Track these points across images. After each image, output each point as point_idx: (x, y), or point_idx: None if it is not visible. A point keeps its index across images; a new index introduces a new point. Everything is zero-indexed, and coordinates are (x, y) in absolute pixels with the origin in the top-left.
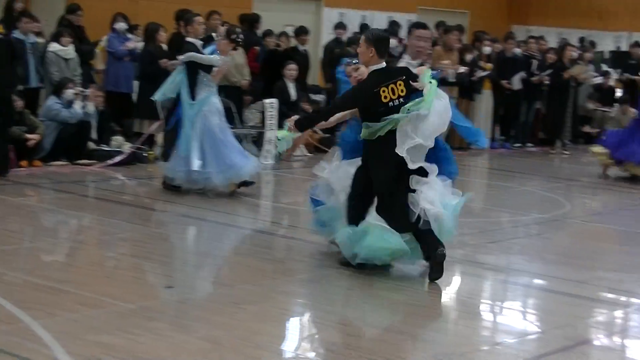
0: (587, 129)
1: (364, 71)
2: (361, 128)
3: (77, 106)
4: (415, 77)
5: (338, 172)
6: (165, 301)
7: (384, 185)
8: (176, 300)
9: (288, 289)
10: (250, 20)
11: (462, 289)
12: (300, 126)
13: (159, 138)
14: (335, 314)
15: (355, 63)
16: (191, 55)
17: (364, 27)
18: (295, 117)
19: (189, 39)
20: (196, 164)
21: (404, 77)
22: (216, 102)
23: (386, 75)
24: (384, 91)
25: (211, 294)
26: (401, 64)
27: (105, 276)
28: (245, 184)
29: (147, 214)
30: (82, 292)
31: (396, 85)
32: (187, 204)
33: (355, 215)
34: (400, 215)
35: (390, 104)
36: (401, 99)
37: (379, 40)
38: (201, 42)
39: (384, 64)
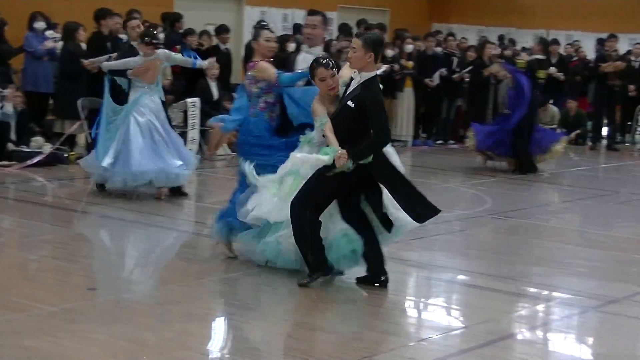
0: None
1: (337, 80)
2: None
3: None
4: None
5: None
6: (88, 303)
7: (394, 171)
8: (100, 302)
9: (213, 288)
10: (171, 19)
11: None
12: (357, 157)
13: (80, 138)
14: (261, 312)
15: (332, 68)
16: (106, 65)
17: (296, 27)
18: (343, 151)
19: (132, 43)
20: (105, 161)
21: None
22: (146, 102)
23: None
24: None
25: (135, 295)
26: (301, 54)
27: (27, 279)
28: (178, 192)
29: (68, 216)
30: (3, 295)
31: None
32: (110, 205)
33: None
34: (423, 199)
35: None
36: None
37: (378, 45)
38: None
39: (376, 71)
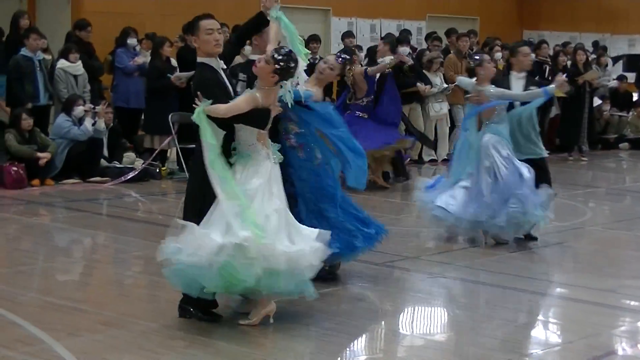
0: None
1: None
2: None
3: (88, 123)
4: None
5: None
6: (186, 320)
7: None
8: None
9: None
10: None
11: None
12: None
13: (171, 153)
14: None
15: None
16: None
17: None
18: None
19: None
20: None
21: None
22: None
23: None
24: None
25: (233, 312)
26: None
27: (123, 295)
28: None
29: (161, 231)
30: (101, 311)
31: None
32: None
33: None
34: None
35: None
36: None
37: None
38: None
39: None
